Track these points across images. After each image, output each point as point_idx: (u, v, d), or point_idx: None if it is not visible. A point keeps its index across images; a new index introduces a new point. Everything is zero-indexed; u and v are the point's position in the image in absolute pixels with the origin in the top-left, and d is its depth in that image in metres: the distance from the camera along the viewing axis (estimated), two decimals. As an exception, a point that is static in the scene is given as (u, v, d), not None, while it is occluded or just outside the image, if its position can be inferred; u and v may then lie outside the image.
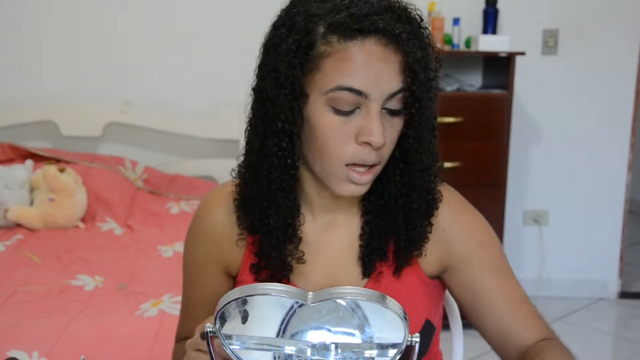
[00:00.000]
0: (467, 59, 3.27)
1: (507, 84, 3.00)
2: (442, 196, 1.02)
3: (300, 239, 1.01)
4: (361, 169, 0.93)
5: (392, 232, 1.00)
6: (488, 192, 3.02)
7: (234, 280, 1.10)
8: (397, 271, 1.02)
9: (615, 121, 3.41)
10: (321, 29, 0.89)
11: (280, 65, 0.91)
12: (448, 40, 3.11)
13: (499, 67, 3.08)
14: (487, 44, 3.01)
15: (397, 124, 0.93)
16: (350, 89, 0.88)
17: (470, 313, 1.05)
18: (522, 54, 3.00)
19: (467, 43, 3.15)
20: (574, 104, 3.39)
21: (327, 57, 0.89)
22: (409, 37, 0.89)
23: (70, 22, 3.19)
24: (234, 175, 1.03)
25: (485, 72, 3.29)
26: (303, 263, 1.02)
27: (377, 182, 0.98)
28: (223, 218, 1.06)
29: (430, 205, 1.01)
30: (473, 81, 3.29)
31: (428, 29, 0.94)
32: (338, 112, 0.90)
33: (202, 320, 0.90)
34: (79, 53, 3.20)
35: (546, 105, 3.39)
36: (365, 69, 0.88)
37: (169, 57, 3.22)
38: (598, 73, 3.36)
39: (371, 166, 0.93)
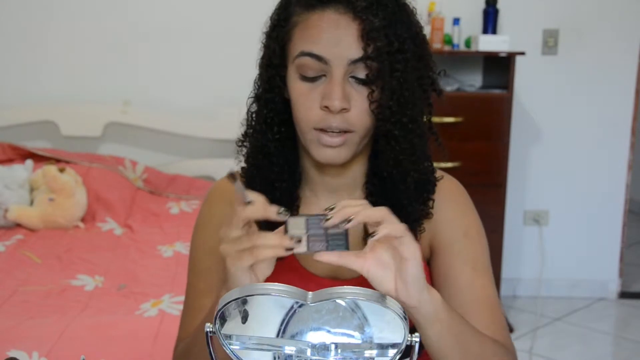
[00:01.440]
0: (467, 59, 3.27)
1: (507, 84, 3.00)
2: (439, 179, 1.06)
3: (298, 206, 1.05)
4: (331, 133, 0.96)
5: (393, 212, 1.01)
6: (488, 192, 3.02)
7: None
8: None
9: (615, 121, 3.41)
10: (294, 2, 0.98)
11: (265, 39, 1.02)
12: (448, 40, 3.11)
13: (499, 67, 3.08)
14: (487, 44, 3.02)
15: (363, 91, 0.95)
16: (310, 54, 0.94)
17: None
18: (522, 54, 3.00)
19: (467, 43, 3.15)
20: (574, 104, 3.39)
21: (295, 27, 0.97)
22: (367, 6, 0.93)
23: (70, 22, 3.19)
24: (239, 145, 1.08)
25: (485, 72, 3.29)
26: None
27: (375, 160, 1.02)
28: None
29: (423, 184, 1.03)
30: (473, 81, 3.29)
31: (408, 4, 0.99)
32: (304, 78, 0.96)
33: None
34: (79, 53, 3.20)
35: (546, 105, 3.39)
36: (324, 35, 0.94)
37: (169, 57, 3.22)
38: (598, 73, 3.36)
39: (343, 132, 0.96)
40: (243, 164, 1.08)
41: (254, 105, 1.05)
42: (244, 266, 0.84)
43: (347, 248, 0.84)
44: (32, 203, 2.71)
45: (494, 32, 3.11)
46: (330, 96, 0.94)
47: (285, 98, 1.00)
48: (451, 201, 1.07)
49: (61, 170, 2.70)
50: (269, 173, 1.03)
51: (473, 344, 0.91)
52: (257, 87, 1.05)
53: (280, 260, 1.03)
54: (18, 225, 2.65)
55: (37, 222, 2.64)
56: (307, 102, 0.96)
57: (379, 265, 0.83)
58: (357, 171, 1.06)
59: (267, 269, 0.87)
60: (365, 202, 0.85)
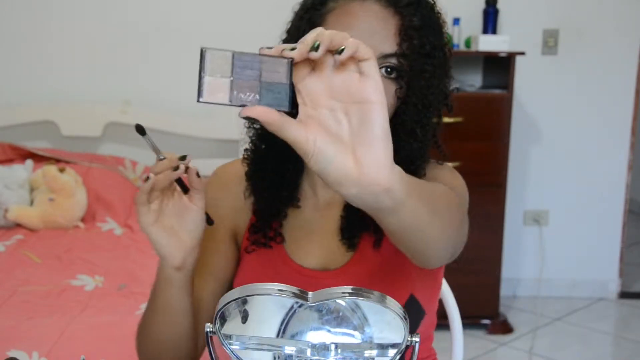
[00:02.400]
0: (467, 59, 3.27)
1: (507, 84, 2.99)
2: (425, 172, 1.04)
3: (298, 199, 1.06)
4: None
5: None
6: (488, 192, 3.02)
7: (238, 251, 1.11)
8: (378, 242, 1.03)
9: (615, 121, 3.41)
10: None
11: (294, 19, 1.01)
12: (448, 41, 3.10)
13: (499, 67, 3.08)
14: (487, 44, 3.02)
15: (390, 86, 0.95)
16: None
17: None
18: (522, 54, 3.00)
19: (467, 43, 3.15)
20: (574, 104, 3.39)
21: (332, 12, 0.96)
22: (409, 4, 0.94)
23: (70, 22, 3.19)
24: (245, 133, 1.09)
25: (485, 72, 3.29)
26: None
27: None
28: (235, 188, 1.10)
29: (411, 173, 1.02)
30: (473, 81, 3.29)
31: (440, 13, 1.00)
32: None
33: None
34: (79, 53, 3.20)
35: (546, 105, 3.39)
36: (361, 24, 0.93)
37: (169, 57, 3.22)
38: (598, 73, 3.36)
39: None
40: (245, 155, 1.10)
41: None
42: (145, 216, 0.88)
43: (289, 106, 0.60)
44: (32, 203, 2.71)
45: (494, 32, 3.11)
46: None
47: None
48: (439, 174, 1.05)
49: (61, 170, 2.70)
50: (269, 163, 1.05)
51: (437, 199, 0.82)
52: None
53: (269, 249, 1.06)
54: (18, 225, 2.65)
55: (37, 222, 2.64)
56: None
57: (328, 133, 0.61)
58: None
59: (172, 214, 0.91)
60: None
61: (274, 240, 1.07)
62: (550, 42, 3.33)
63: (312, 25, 0.96)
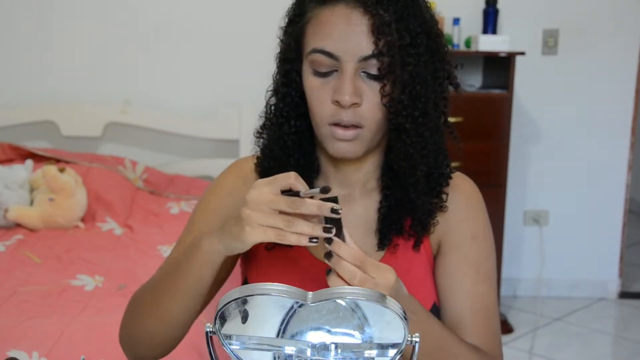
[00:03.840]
0: (467, 59, 3.27)
1: (507, 84, 3.00)
2: (452, 173, 1.07)
3: None
4: (343, 128, 0.97)
5: (407, 205, 1.03)
6: (488, 192, 2.97)
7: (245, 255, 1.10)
8: (417, 245, 1.05)
9: (615, 121, 3.41)
10: None
11: (282, 34, 1.03)
12: (448, 40, 3.10)
13: (499, 67, 3.08)
14: (487, 44, 3.01)
15: (375, 85, 0.96)
16: (322, 51, 0.95)
17: (439, 297, 1.07)
18: (522, 54, 3.00)
19: (467, 43, 3.15)
20: (574, 104, 3.39)
21: (308, 23, 0.98)
22: (377, 1, 0.93)
23: (70, 22, 3.19)
24: (256, 136, 1.09)
25: (485, 72, 3.29)
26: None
27: (389, 154, 1.02)
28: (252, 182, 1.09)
29: (436, 178, 1.04)
30: (473, 81, 3.29)
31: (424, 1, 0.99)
32: (317, 73, 0.97)
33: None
34: (79, 53, 3.20)
35: (546, 105, 3.39)
36: (335, 31, 0.94)
37: (169, 57, 3.22)
38: (598, 73, 3.36)
39: (355, 127, 0.97)
40: (258, 155, 1.09)
41: (273, 98, 1.06)
42: (258, 239, 0.86)
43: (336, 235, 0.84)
44: (32, 203, 2.71)
45: (494, 32, 3.11)
46: (340, 91, 0.94)
47: (302, 92, 1.01)
48: (464, 200, 1.08)
49: (61, 170, 2.70)
50: (286, 165, 1.04)
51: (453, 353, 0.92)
52: (275, 80, 1.06)
53: (292, 248, 1.05)
54: (18, 225, 2.65)
55: (37, 222, 2.63)
56: (320, 97, 0.97)
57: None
58: (371, 167, 1.06)
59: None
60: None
61: None
62: (550, 42, 3.33)
63: (297, 39, 0.99)
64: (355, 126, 0.97)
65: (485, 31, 3.11)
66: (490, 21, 3.11)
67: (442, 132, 1.05)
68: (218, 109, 3.09)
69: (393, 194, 1.04)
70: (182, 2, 3.21)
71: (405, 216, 1.04)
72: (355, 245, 0.87)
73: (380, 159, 1.06)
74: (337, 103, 0.95)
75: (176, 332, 1.00)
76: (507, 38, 3.01)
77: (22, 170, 2.74)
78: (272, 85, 1.07)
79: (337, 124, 0.97)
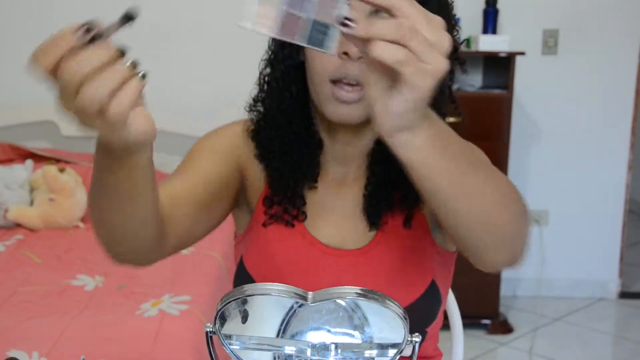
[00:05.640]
0: (467, 59, 3.25)
1: (507, 84, 2.99)
2: None
3: (317, 173, 1.04)
4: (347, 87, 0.93)
5: (396, 178, 0.99)
6: (488, 192, 3.01)
7: (248, 209, 1.09)
8: (408, 221, 1.02)
9: (615, 121, 3.41)
10: None
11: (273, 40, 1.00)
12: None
13: (499, 67, 3.07)
14: (487, 43, 3.01)
15: None
16: None
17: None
18: (522, 54, 3.00)
19: (468, 43, 3.15)
20: (574, 104, 3.39)
21: None
22: None
23: (70, 22, 3.18)
24: (248, 110, 1.07)
25: (485, 72, 3.29)
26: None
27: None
28: (245, 146, 1.07)
29: None
30: (473, 81, 3.29)
31: None
32: None
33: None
34: (79, 53, 3.20)
35: (546, 105, 3.39)
36: None
37: (169, 57, 3.22)
38: (598, 73, 3.36)
39: (359, 86, 0.93)
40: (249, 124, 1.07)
41: (267, 68, 1.04)
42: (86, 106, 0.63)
43: (333, 49, 0.58)
44: (32, 203, 2.71)
45: (494, 32, 3.11)
46: None
47: (300, 61, 0.99)
48: None
49: (61, 170, 2.70)
50: (288, 133, 1.02)
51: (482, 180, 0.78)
52: (270, 48, 1.03)
53: (290, 227, 1.03)
54: (18, 225, 2.65)
55: (37, 222, 2.63)
56: None
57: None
58: (368, 140, 1.04)
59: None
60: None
61: (297, 219, 1.04)
62: (550, 42, 3.33)
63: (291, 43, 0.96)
64: (360, 85, 0.92)
65: (485, 31, 3.11)
66: (490, 21, 3.11)
67: (445, 109, 1.03)
68: (218, 109, 3.09)
69: (380, 168, 1.01)
70: (182, 2, 3.21)
71: (393, 190, 1.01)
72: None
73: (374, 136, 1.03)
74: (345, 55, 0.91)
75: (137, 241, 0.84)
76: (507, 38, 3.01)
77: (22, 170, 2.74)
78: (265, 55, 1.04)
79: (339, 82, 0.93)
